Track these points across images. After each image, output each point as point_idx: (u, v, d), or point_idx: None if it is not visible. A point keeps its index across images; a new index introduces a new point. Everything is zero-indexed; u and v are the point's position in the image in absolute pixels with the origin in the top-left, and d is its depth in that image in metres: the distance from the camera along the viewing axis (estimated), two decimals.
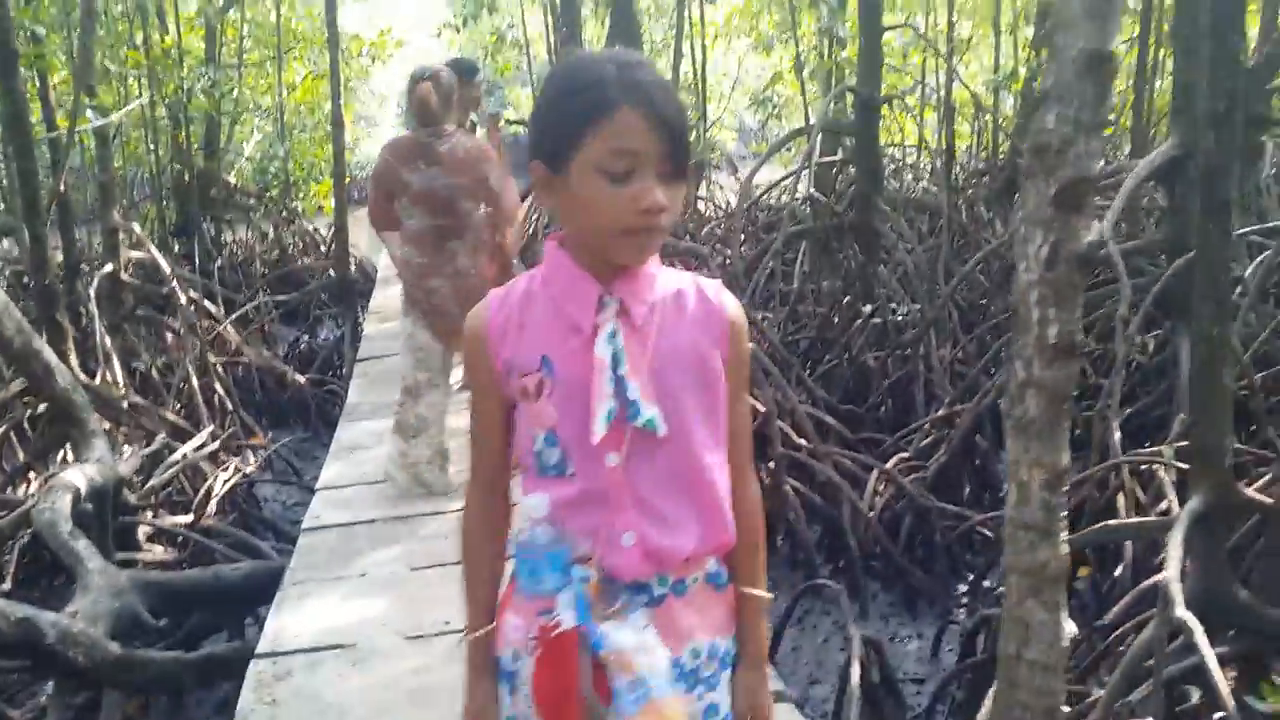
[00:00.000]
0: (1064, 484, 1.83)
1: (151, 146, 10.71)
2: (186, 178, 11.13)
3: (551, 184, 1.33)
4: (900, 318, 7.13)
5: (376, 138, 18.87)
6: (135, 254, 7.90)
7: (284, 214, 13.32)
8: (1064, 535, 1.89)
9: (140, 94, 10.17)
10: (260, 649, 3.20)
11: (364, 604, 3.47)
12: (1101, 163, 9.46)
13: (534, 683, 1.39)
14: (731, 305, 1.47)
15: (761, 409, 5.25)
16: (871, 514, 5.25)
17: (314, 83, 13.17)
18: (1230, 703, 2.84)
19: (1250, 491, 3.48)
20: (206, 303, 8.46)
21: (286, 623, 3.35)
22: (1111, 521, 4.09)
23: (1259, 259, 5.17)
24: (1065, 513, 1.86)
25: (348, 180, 13.26)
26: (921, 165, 12.73)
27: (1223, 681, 2.88)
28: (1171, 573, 3.01)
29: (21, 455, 5.20)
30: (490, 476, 1.51)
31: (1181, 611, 2.98)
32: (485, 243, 4.29)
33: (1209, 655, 2.89)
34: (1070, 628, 2.02)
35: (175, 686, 3.56)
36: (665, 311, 1.41)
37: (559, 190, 1.33)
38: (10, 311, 4.36)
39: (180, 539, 4.76)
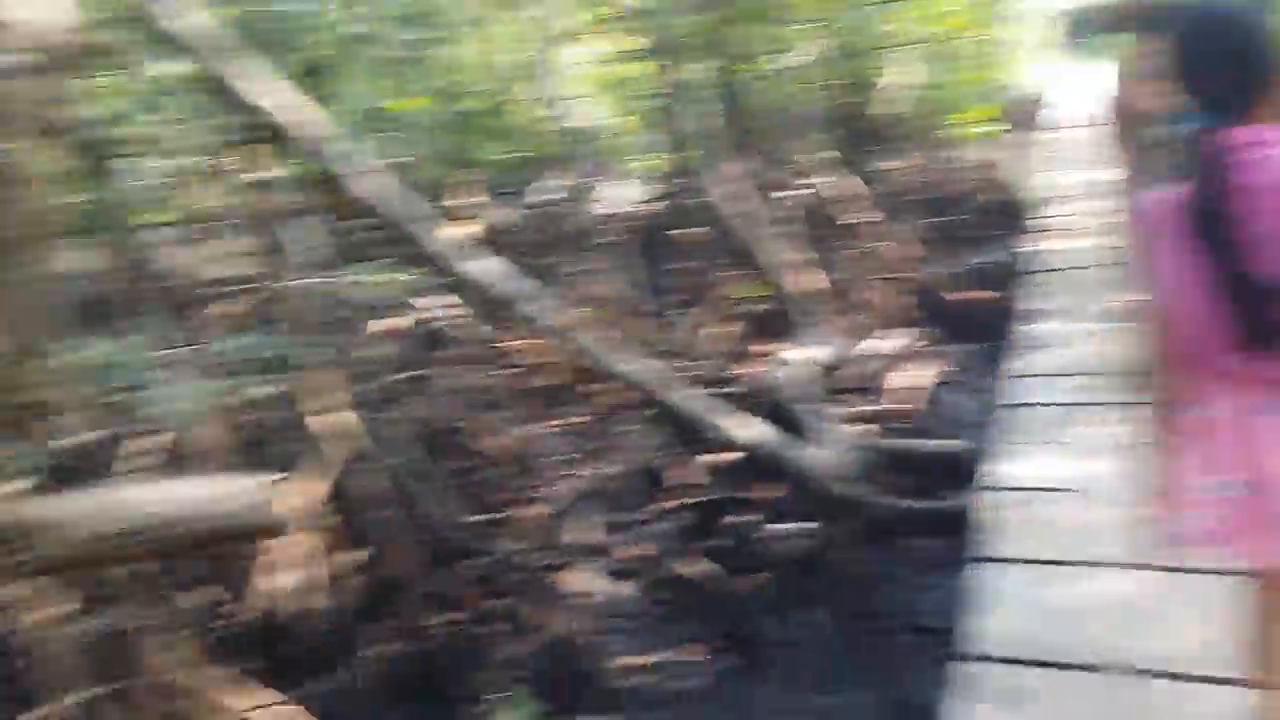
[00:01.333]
0: None
1: (817, 83, 11.61)
2: (845, 111, 11.91)
3: None
4: None
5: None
6: (813, 179, 8.81)
7: (936, 142, 13.63)
8: None
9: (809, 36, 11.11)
10: (985, 485, 3.48)
11: (1079, 463, 3.55)
12: None
13: None
14: None
15: None
16: None
17: (969, 10, 13.16)
18: None
19: None
20: (876, 224, 9.14)
21: (1003, 471, 3.59)
22: None
23: None
24: None
25: (1000, 107, 13.18)
26: None
27: None
28: None
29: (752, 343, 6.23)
30: None
31: None
32: None
33: None
34: None
35: (890, 530, 4.10)
36: None
37: None
38: (755, 221, 5.22)
39: (870, 420, 5.35)
